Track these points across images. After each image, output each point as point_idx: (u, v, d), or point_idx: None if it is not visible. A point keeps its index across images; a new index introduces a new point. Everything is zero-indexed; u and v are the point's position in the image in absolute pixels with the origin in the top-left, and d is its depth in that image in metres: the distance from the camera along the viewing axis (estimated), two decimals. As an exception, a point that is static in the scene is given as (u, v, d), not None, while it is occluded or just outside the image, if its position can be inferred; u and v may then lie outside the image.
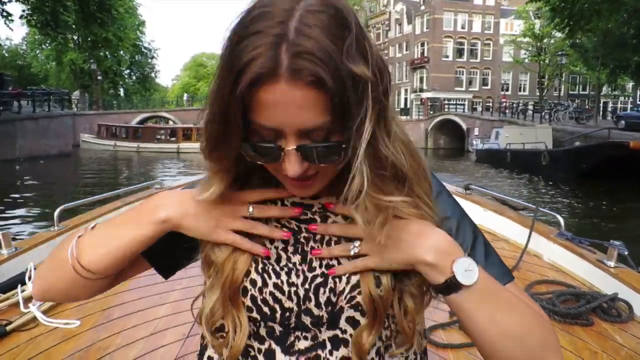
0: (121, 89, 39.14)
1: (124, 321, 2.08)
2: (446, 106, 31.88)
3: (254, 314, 0.56)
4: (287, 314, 0.55)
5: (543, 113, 21.81)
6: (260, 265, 0.56)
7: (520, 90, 40.20)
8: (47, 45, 32.44)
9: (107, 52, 33.04)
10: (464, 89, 38.56)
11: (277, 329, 0.56)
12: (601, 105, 26.33)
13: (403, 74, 41.37)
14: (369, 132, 0.44)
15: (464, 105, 32.28)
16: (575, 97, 36.63)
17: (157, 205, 0.56)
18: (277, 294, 0.55)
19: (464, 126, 27.50)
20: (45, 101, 20.22)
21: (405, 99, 41.18)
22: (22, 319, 2.00)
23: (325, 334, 0.55)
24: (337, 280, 0.55)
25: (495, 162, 17.39)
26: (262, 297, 0.55)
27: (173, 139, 24.63)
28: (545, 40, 33.17)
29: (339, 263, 0.55)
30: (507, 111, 25.62)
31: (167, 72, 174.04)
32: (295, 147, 0.47)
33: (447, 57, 38.35)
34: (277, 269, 0.56)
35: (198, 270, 0.62)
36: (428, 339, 1.87)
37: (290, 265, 0.56)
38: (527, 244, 2.85)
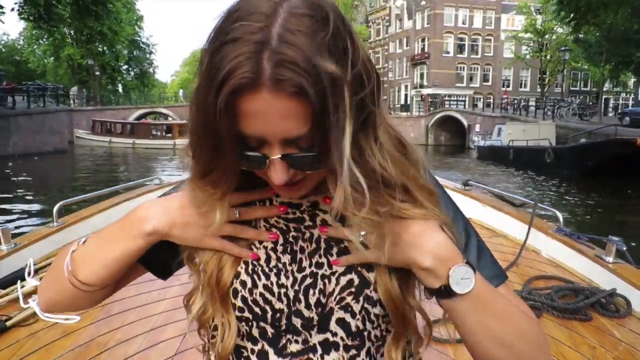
0: (119, 85, 38.97)
1: (123, 317, 2.09)
2: (447, 102, 31.78)
3: (246, 314, 0.56)
4: (278, 315, 0.55)
5: (546, 109, 21.67)
6: (250, 267, 0.56)
7: (521, 87, 40.09)
8: (44, 40, 32.18)
9: (104, 47, 32.83)
10: (464, 85, 38.45)
11: (269, 330, 0.56)
12: (602, 101, 26.21)
13: (403, 70, 41.25)
14: (349, 140, 0.42)
15: (464, 101, 32.20)
16: (577, 93, 36.44)
17: (143, 217, 0.55)
18: (267, 295, 0.55)
19: (465, 123, 27.42)
20: (40, 97, 19.87)
21: (406, 95, 41.07)
22: (22, 314, 2.01)
23: (315, 338, 0.55)
24: (326, 281, 0.55)
25: (498, 159, 17.29)
26: (252, 298, 0.55)
27: (169, 135, 24.48)
28: (547, 36, 33.04)
29: (329, 261, 0.55)
30: (508, 107, 25.53)
31: (167, 68, 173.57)
32: (279, 156, 0.46)
33: (447, 52, 38.21)
34: (267, 270, 0.56)
35: None
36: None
37: (280, 266, 0.56)
38: (526, 240, 2.86)
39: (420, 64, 38.82)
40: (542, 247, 2.90)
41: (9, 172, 13.28)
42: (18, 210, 8.33)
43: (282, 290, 0.55)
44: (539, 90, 36.04)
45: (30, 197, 9.90)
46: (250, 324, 0.56)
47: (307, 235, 0.56)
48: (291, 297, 0.55)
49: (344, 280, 0.54)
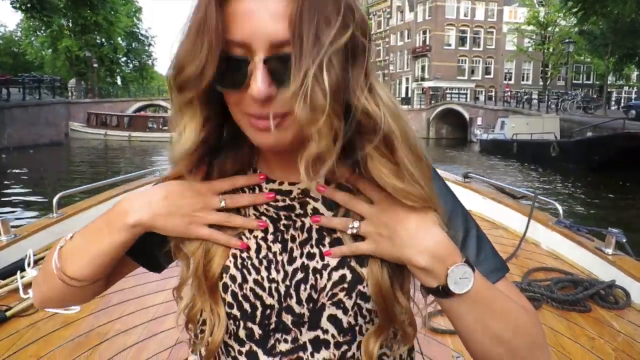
0: (118, 77, 38.70)
1: (122, 307, 2.10)
2: (448, 95, 31.65)
3: (234, 311, 0.55)
4: (268, 311, 0.54)
5: (549, 102, 21.47)
6: (239, 261, 0.55)
7: (523, 80, 39.85)
8: (42, 32, 31.84)
9: (102, 39, 32.51)
10: (466, 78, 38.24)
11: (257, 331, 0.55)
12: (605, 94, 26.02)
13: (404, 63, 41.01)
14: (328, 53, 0.41)
15: (466, 94, 32.04)
16: (579, 86, 36.25)
17: (126, 209, 0.54)
18: (258, 290, 0.54)
19: (467, 116, 27.29)
20: (36, 88, 19.65)
21: (407, 88, 40.88)
22: (22, 304, 2.02)
23: (306, 336, 0.54)
24: (317, 276, 0.53)
25: (501, 153, 17.16)
26: (242, 294, 0.54)
27: (165, 127, 24.26)
28: (549, 29, 32.77)
29: (321, 252, 0.54)
30: (511, 100, 25.37)
31: (166, 60, 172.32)
32: (263, 57, 0.43)
33: (449, 45, 37.93)
34: (257, 263, 0.55)
35: None
36: (427, 325, 1.89)
37: (270, 256, 0.55)
38: (526, 232, 2.86)
39: (422, 56, 38.58)
40: (542, 239, 2.90)
41: (4, 164, 13.25)
42: (16, 202, 8.36)
43: (273, 285, 0.54)
44: (541, 83, 35.86)
45: (26, 190, 9.89)
46: (237, 323, 0.55)
47: (299, 223, 0.55)
48: (282, 293, 0.54)
49: (336, 275, 0.53)
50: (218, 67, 0.44)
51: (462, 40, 38.20)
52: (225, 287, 0.54)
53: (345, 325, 0.53)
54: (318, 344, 0.54)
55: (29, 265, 2.30)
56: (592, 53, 23.27)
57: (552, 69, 34.24)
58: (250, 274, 0.54)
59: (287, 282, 0.54)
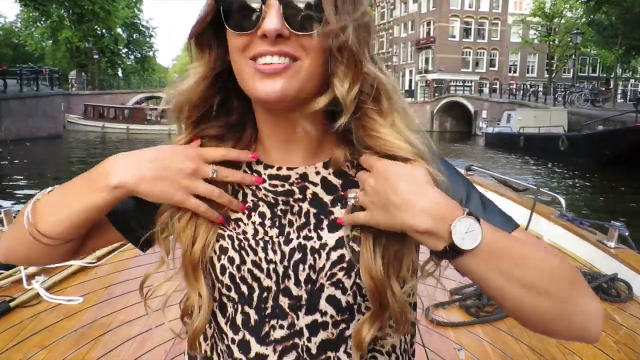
0: (119, 69, 38.50)
1: (125, 298, 2.11)
2: (452, 88, 31.39)
3: (232, 294, 0.54)
4: (265, 294, 0.53)
5: (556, 95, 21.20)
6: (237, 242, 0.54)
7: (528, 72, 39.44)
8: (41, 23, 31.57)
9: (103, 30, 32.25)
10: (470, 70, 37.86)
11: (253, 316, 0.54)
12: (611, 87, 25.64)
13: (408, 55, 40.64)
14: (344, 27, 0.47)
15: (470, 87, 31.75)
16: (585, 79, 35.82)
17: (109, 169, 0.51)
18: (256, 271, 0.53)
19: (472, 109, 27.04)
20: (33, 80, 19.27)
21: (410, 81, 40.57)
22: (26, 295, 2.04)
23: (303, 321, 0.53)
24: (316, 256, 0.53)
25: (507, 147, 16.95)
26: (240, 275, 0.54)
27: (164, 120, 24.03)
28: (555, 20, 32.33)
29: (318, 236, 0.53)
30: (517, 93, 25.11)
31: (169, 52, 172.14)
32: None
33: (453, 37, 37.51)
34: (253, 244, 0.54)
35: None
36: (430, 317, 1.89)
37: (267, 239, 0.54)
38: (528, 225, 2.85)
39: (426, 48, 38.21)
40: (544, 232, 2.89)
41: (1, 157, 13.14)
42: (18, 196, 8.39)
43: (272, 266, 0.53)
44: (546, 76, 35.45)
45: (25, 183, 9.91)
46: (235, 306, 0.55)
47: (296, 208, 0.55)
48: (280, 273, 0.53)
49: (334, 255, 0.52)
50: (232, 11, 0.48)
51: (466, 32, 37.76)
52: (223, 269, 0.54)
53: (343, 304, 0.53)
54: (316, 328, 0.53)
55: (32, 256, 2.31)
56: (601, 45, 22.86)
57: (558, 61, 33.85)
58: (248, 255, 0.53)
59: (286, 263, 0.53)
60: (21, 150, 14.81)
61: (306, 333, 0.53)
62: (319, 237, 0.53)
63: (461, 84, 32.29)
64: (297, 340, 0.53)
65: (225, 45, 0.52)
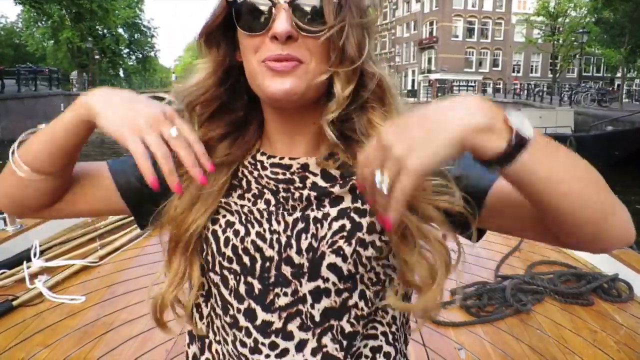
0: (120, 69, 38.57)
1: (128, 297, 2.13)
2: (455, 88, 31.32)
3: (234, 265, 0.56)
4: (267, 264, 0.55)
5: (562, 95, 21.03)
6: (243, 217, 0.57)
7: (532, 72, 39.25)
8: (42, 23, 31.61)
9: (104, 30, 32.30)
10: (473, 70, 37.74)
11: (256, 286, 0.56)
12: (616, 87, 25.44)
13: (410, 55, 40.56)
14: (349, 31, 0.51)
15: (473, 87, 31.65)
16: (589, 79, 35.60)
17: (88, 94, 0.51)
18: (259, 242, 0.55)
19: (474, 108, 26.89)
20: (32, 80, 19.06)
21: (413, 81, 40.48)
22: (28, 294, 2.05)
23: (305, 287, 0.55)
24: (318, 225, 0.55)
25: None
26: (243, 247, 0.56)
27: None
28: (559, 19, 32.16)
29: (321, 208, 0.56)
30: (521, 93, 24.99)
31: (170, 53, 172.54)
32: (288, 1, 0.49)
33: (456, 37, 37.41)
34: (259, 216, 0.57)
35: None
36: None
37: (271, 210, 0.57)
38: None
39: (428, 48, 38.12)
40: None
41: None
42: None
43: (275, 237, 0.55)
44: (550, 75, 35.26)
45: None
46: (238, 278, 0.56)
47: (297, 195, 0.57)
48: (283, 243, 0.55)
49: (336, 225, 0.55)
50: (243, 14, 0.51)
51: (469, 32, 37.64)
52: (227, 241, 0.56)
53: (345, 272, 0.54)
54: (318, 294, 0.55)
55: (34, 255, 2.33)
56: (607, 44, 22.65)
57: (562, 61, 33.68)
58: (253, 227, 0.56)
59: (289, 232, 0.55)
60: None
61: (309, 299, 0.55)
62: (322, 208, 0.56)
63: (464, 84, 32.23)
64: (300, 306, 0.55)
65: (233, 44, 0.56)
